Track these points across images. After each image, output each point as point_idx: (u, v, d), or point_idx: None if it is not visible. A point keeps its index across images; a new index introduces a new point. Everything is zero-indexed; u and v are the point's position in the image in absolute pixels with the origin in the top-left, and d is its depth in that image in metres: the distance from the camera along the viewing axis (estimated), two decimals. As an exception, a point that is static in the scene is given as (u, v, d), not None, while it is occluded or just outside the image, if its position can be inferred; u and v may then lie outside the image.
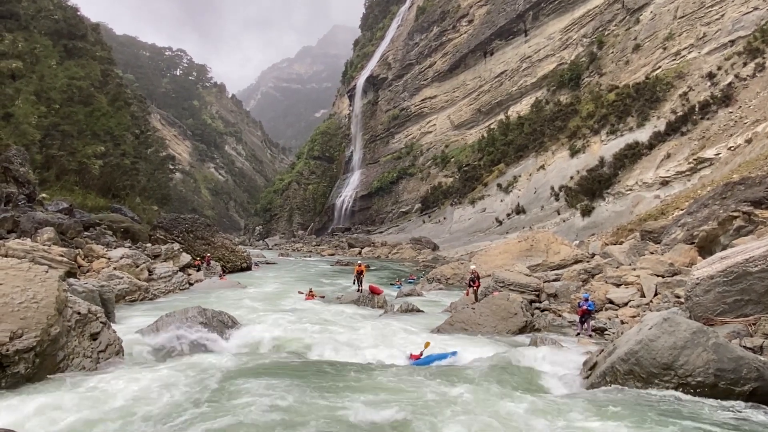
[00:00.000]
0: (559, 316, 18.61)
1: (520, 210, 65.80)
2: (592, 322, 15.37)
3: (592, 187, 55.75)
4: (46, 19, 56.64)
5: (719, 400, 8.14)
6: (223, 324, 13.87)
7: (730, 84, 49.89)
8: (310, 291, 23.05)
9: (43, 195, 34.01)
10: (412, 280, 34.85)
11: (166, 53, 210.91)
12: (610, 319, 16.72)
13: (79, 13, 67.20)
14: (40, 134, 43.08)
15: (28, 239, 22.30)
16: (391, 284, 31.42)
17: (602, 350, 10.06)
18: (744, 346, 10.40)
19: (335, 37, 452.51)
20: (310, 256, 67.12)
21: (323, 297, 23.08)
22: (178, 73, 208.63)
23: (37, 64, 49.58)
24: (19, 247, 19.38)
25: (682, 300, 14.80)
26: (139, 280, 22.58)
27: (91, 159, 47.85)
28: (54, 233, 23.91)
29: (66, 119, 47.58)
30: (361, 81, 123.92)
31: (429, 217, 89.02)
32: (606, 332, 15.39)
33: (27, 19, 53.37)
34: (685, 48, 59.05)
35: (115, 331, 11.18)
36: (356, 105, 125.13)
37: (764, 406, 8.10)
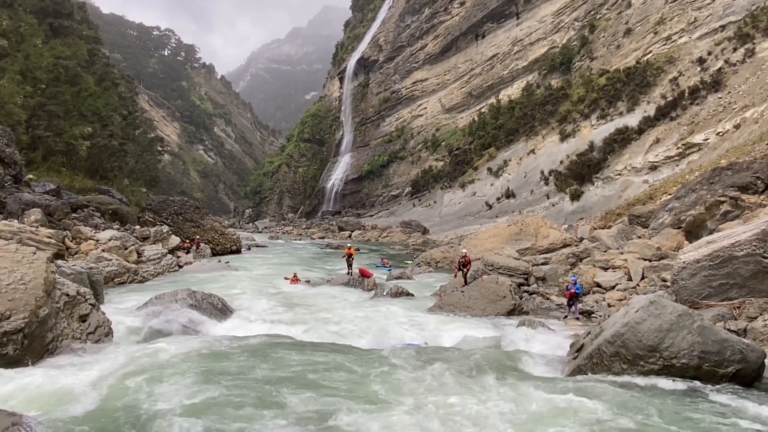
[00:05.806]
0: (548, 299, 18.81)
1: (510, 194, 65.98)
2: (579, 305, 15.56)
3: (582, 172, 55.97)
4: (31, -3, 55.40)
5: (703, 382, 8.29)
6: (212, 306, 13.89)
7: (720, 69, 50.02)
8: (295, 275, 23.03)
9: (30, 176, 33.52)
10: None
11: (154, 33, 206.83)
12: (597, 303, 16.94)
13: (64, -9, 65.69)
14: (26, 114, 42.33)
15: (15, 220, 22.03)
16: (376, 266, 31.20)
17: (589, 333, 10.18)
18: (728, 329, 10.62)
19: (326, 18, 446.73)
20: (300, 239, 67.03)
21: (309, 281, 23.08)
22: (166, 54, 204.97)
23: (22, 43, 48.50)
24: (5, 228, 19.15)
25: (669, 284, 15.01)
26: (128, 262, 22.47)
27: (79, 140, 47.12)
28: (41, 215, 23.65)
29: (52, 99, 46.72)
30: (351, 63, 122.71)
31: (419, 200, 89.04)
32: (593, 315, 15.60)
33: (11, -4, 52.17)
34: (676, 33, 59.06)
35: (104, 313, 11.16)
36: (347, 87, 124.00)
37: (746, 387, 8.28)
